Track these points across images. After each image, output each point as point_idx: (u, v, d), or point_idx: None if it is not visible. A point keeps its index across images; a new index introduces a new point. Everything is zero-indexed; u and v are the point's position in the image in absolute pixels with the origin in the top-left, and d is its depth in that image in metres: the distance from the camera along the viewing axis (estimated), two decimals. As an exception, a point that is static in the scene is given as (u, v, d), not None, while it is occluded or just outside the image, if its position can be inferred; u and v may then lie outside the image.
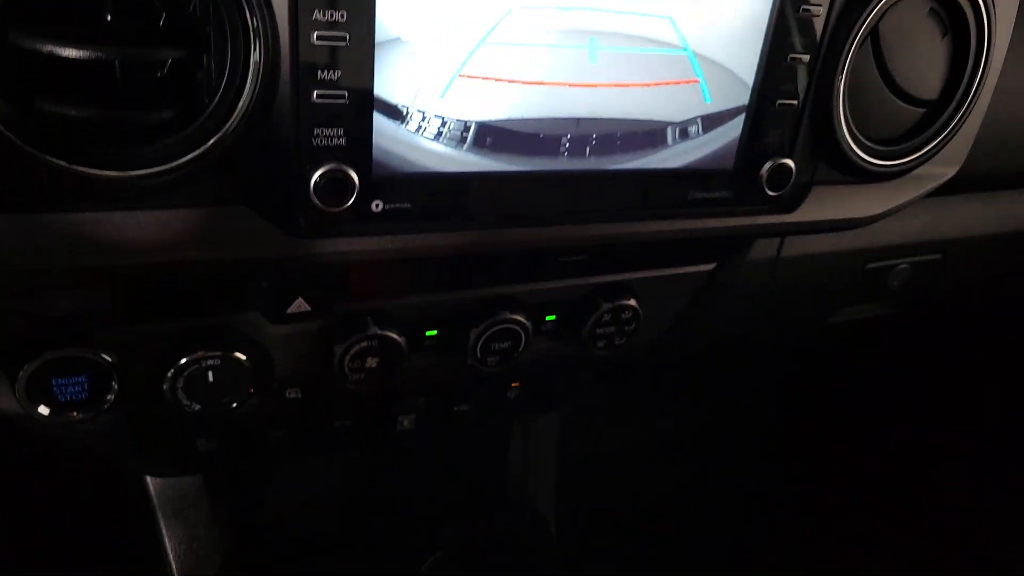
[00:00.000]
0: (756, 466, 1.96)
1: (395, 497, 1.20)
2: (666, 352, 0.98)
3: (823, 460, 1.98)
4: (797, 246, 0.98)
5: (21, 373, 0.66)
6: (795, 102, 0.71)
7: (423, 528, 1.15)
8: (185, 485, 1.06)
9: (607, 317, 0.86)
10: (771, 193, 0.73)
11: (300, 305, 0.71)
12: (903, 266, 1.03)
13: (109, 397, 0.70)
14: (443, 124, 0.61)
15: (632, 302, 0.87)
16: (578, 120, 0.66)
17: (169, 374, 0.70)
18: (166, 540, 1.07)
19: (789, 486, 1.89)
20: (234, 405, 0.74)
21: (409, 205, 0.64)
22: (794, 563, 1.72)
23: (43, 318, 0.68)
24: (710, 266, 0.92)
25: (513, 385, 1.02)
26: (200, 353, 0.70)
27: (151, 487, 1.07)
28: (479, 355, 0.82)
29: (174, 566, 1.06)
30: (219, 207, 0.59)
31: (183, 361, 0.70)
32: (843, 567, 1.76)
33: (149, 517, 1.09)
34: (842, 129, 0.73)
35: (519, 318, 0.82)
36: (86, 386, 0.69)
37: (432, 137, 0.62)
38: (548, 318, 0.87)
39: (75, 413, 0.70)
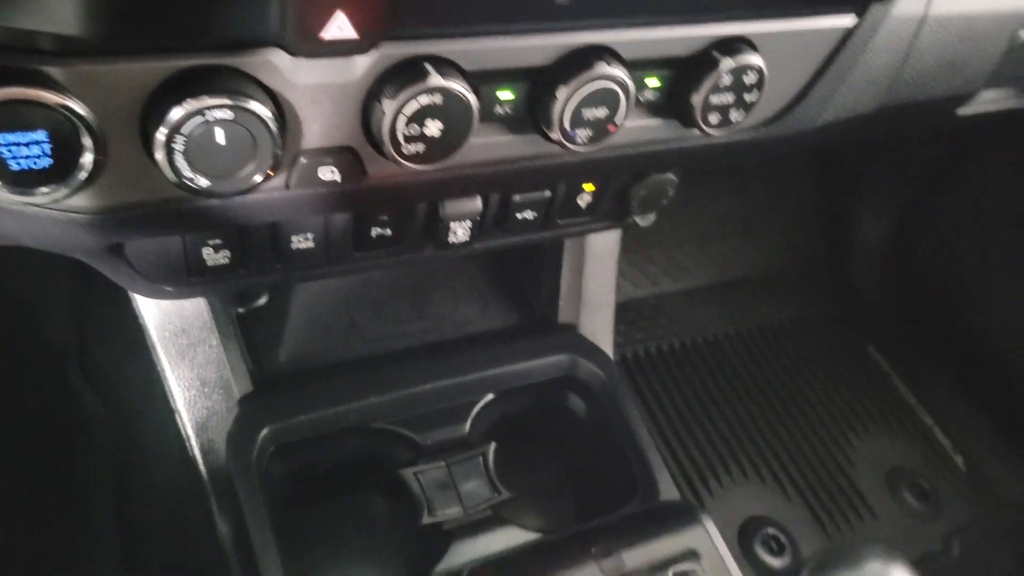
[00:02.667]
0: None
1: (431, 331, 1.04)
2: (777, 138, 0.79)
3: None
4: (947, 2, 0.78)
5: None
6: None
7: (468, 368, 1.00)
8: (188, 320, 0.89)
9: (727, 80, 0.67)
10: None
11: (341, 27, 0.50)
12: (1063, 34, 0.84)
13: (83, 162, 0.50)
14: None
15: (758, 61, 0.67)
16: None
17: (163, 131, 0.51)
18: (173, 387, 0.91)
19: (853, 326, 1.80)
20: (255, 179, 0.55)
21: None
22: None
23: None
24: (848, 19, 0.72)
25: (586, 188, 0.84)
26: (204, 101, 0.50)
27: (148, 324, 0.89)
28: (568, 126, 0.63)
29: (185, 415, 0.91)
30: None
31: (182, 112, 0.50)
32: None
33: (149, 360, 0.92)
34: None
35: (619, 74, 0.62)
36: (48, 148, 0.50)
37: None
38: (648, 78, 0.67)
39: (34, 188, 0.50)
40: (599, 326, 1.08)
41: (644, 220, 0.90)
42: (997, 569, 1.48)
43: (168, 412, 0.94)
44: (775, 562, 1.43)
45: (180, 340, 0.89)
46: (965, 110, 0.93)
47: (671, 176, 0.87)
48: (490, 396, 0.99)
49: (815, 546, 1.46)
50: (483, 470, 0.93)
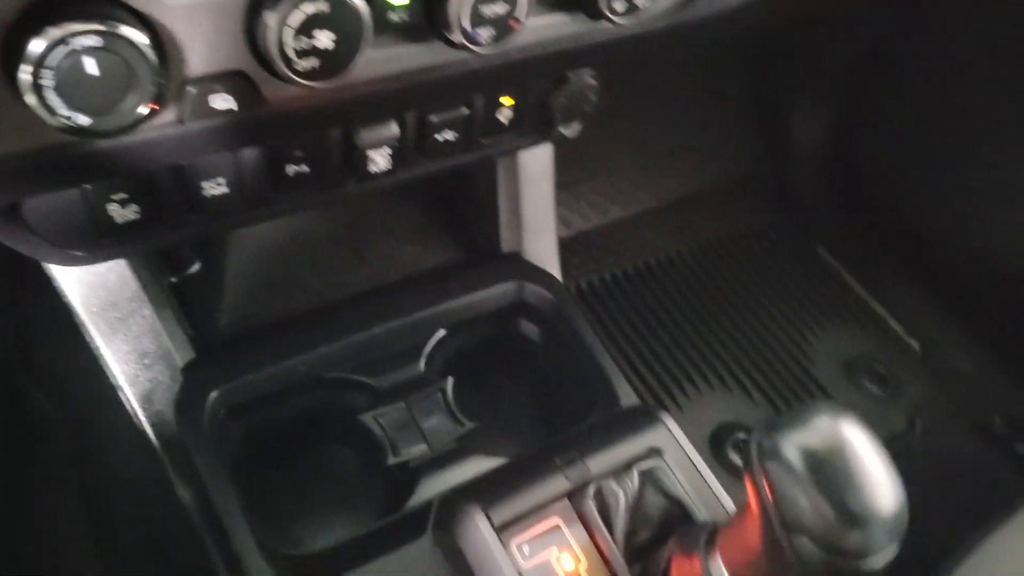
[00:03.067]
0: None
1: (374, 275, 1.02)
2: (694, 24, 0.78)
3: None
4: None
5: None
6: None
7: (416, 307, 0.98)
8: (115, 292, 0.85)
9: (627, -38, 0.65)
10: None
11: (202, -70, 0.47)
12: None
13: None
14: None
15: (657, -63, 0.65)
16: None
17: (26, 68, 0.47)
18: (110, 363, 0.88)
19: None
20: (140, 112, 0.52)
21: None
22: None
23: None
24: None
25: (505, 102, 0.82)
26: (67, 27, 0.47)
27: (73, 302, 0.86)
28: (468, 25, 0.60)
29: (128, 391, 0.88)
30: None
31: (44, 44, 0.47)
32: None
33: (86, 343, 0.89)
34: None
35: (514, -35, 0.60)
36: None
37: None
38: (549, -30, 0.65)
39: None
40: (544, 250, 1.07)
41: (569, 130, 0.88)
42: (958, 439, 1.54)
43: (114, 392, 0.91)
44: (750, 465, 1.47)
45: (110, 314, 0.85)
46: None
47: (590, 81, 0.85)
48: (442, 332, 0.97)
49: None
50: (443, 405, 0.92)
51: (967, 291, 1.68)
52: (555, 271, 1.07)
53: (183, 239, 0.76)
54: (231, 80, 0.57)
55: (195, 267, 0.99)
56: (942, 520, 1.14)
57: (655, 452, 0.80)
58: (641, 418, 0.84)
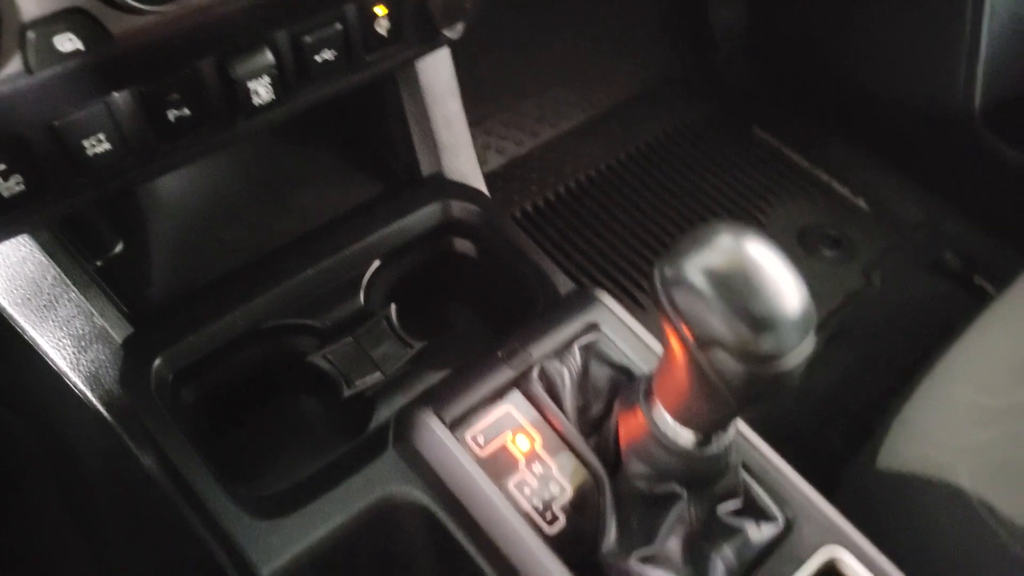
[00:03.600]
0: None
1: (301, 223, 1.01)
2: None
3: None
4: None
5: None
6: None
7: (345, 242, 0.98)
8: (35, 280, 0.85)
9: None
10: None
11: None
12: None
13: None
14: None
15: None
16: None
17: None
18: (48, 352, 0.87)
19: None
20: (-25, 60, 0.51)
21: None
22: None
23: None
24: None
25: (379, 12, 0.81)
26: None
27: (-3, 299, 0.85)
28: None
29: (72, 376, 0.88)
30: None
31: None
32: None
33: (19, 338, 0.88)
34: None
35: None
36: None
37: None
38: None
39: None
40: (464, 165, 1.07)
41: (453, 32, 0.87)
42: (916, 282, 1.57)
43: (62, 382, 0.91)
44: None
45: (35, 302, 0.84)
46: None
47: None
48: (377, 263, 0.98)
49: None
50: (390, 331, 0.93)
51: (902, 142, 1.70)
52: (479, 184, 1.07)
53: (82, 205, 0.75)
54: (72, 18, 0.56)
55: (118, 248, 0.98)
56: (910, 355, 1.17)
57: (592, 327, 0.81)
58: (577, 300, 0.85)
